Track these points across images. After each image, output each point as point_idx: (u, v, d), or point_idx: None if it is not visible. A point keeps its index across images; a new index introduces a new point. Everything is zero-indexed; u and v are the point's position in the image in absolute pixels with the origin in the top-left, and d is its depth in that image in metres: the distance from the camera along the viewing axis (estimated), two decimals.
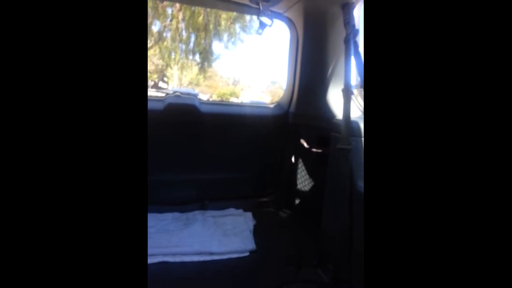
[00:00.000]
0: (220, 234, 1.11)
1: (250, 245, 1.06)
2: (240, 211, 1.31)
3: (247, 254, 1.02)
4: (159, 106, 1.18)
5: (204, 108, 1.25)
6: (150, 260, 0.92)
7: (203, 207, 1.32)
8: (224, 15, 7.56)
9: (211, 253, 0.99)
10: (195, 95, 1.31)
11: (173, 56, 8.51)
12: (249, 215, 1.29)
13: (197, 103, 1.23)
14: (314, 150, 1.19)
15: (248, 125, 1.33)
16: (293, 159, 1.36)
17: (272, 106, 1.43)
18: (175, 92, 1.25)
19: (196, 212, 1.27)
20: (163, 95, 1.27)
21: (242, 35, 8.30)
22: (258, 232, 1.16)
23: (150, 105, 1.20)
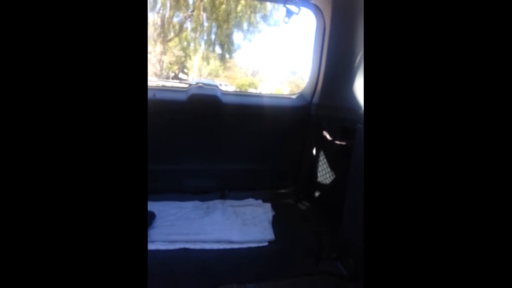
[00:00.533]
0: (240, 224, 1.12)
1: (269, 235, 1.06)
2: (259, 201, 1.31)
3: (266, 244, 1.03)
4: (183, 97, 1.20)
5: (225, 99, 1.25)
6: (172, 246, 0.96)
7: (223, 197, 1.34)
8: (245, 3, 7.46)
9: (231, 242, 1.00)
10: (215, 86, 1.32)
11: (193, 47, 8.59)
12: (268, 205, 1.29)
13: (219, 94, 1.24)
14: (337, 142, 1.16)
15: (270, 116, 1.31)
16: (314, 151, 1.33)
17: (294, 96, 1.40)
18: (198, 83, 1.26)
19: (216, 201, 1.30)
20: (186, 86, 1.29)
21: (262, 25, 8.17)
22: (276, 223, 1.16)
23: (174, 95, 1.22)
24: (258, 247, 1.00)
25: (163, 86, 1.39)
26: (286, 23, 1.07)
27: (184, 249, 0.96)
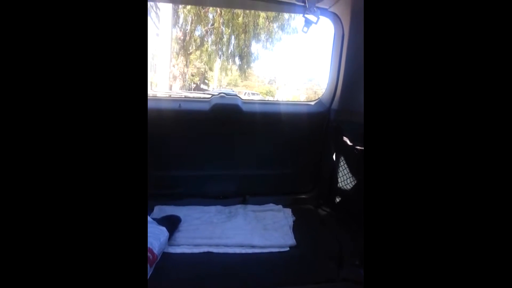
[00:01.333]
0: (261, 228, 1.14)
1: (290, 240, 1.07)
2: (280, 206, 1.33)
3: (287, 249, 1.03)
4: (206, 106, 1.27)
5: (246, 107, 1.29)
6: (196, 250, 1.00)
7: (244, 202, 1.37)
8: (263, 14, 7.64)
9: (252, 246, 1.02)
10: (235, 95, 1.38)
11: (213, 59, 8.89)
12: (288, 211, 1.30)
13: (239, 103, 1.29)
14: (358, 147, 1.15)
15: (289, 122, 1.34)
16: (334, 156, 1.33)
17: (313, 103, 1.42)
18: (220, 93, 1.32)
19: (238, 206, 1.33)
20: (209, 96, 1.35)
21: (280, 34, 8.29)
22: (297, 228, 1.17)
23: (198, 106, 1.29)
24: (280, 252, 1.01)
25: (186, 97, 1.47)
26: (305, 32, 1.10)
27: (208, 252, 0.99)
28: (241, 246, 1.02)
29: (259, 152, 1.37)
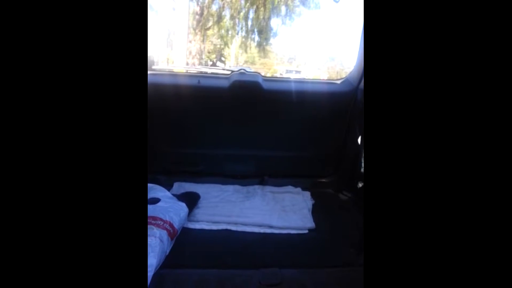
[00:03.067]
0: (279, 210, 1.13)
1: (309, 223, 1.05)
2: (298, 189, 1.31)
3: (305, 231, 1.02)
4: (225, 83, 1.22)
5: (267, 85, 1.24)
6: (215, 227, 1.01)
7: (262, 182, 1.36)
8: None
9: (271, 227, 1.02)
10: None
11: (230, 35, 8.62)
12: (307, 194, 1.28)
13: (260, 80, 1.23)
14: None
15: (312, 102, 1.27)
16: (359, 140, 1.27)
17: (339, 82, 1.33)
18: (240, 69, 1.27)
19: (256, 186, 1.32)
20: (229, 72, 1.30)
21: (301, 8, 7.84)
22: (316, 212, 1.15)
23: (217, 82, 1.25)
24: (298, 234, 1.01)
25: (205, 73, 1.43)
26: (337, 2, 1.01)
27: (227, 230, 1.00)
28: (260, 226, 1.02)
29: (279, 132, 1.32)
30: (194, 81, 1.23)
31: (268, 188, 1.31)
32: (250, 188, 1.31)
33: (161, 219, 0.89)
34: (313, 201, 1.23)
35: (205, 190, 1.24)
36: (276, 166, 1.38)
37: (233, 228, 1.01)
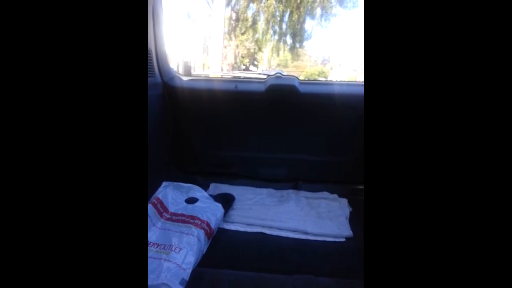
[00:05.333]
0: (314, 216, 1.10)
1: (346, 231, 1.01)
2: (335, 195, 1.26)
3: (343, 240, 0.98)
4: (261, 87, 1.23)
5: (303, 88, 1.22)
6: (250, 229, 1.02)
7: (296, 187, 1.34)
8: None
9: (306, 233, 1.00)
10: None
11: (264, 39, 8.71)
12: (344, 201, 1.23)
13: (296, 83, 1.22)
14: None
15: (350, 105, 1.23)
16: None
17: None
18: (276, 73, 1.27)
19: (290, 191, 1.31)
20: (265, 76, 1.32)
21: (338, 9, 7.63)
22: (354, 220, 1.10)
23: (253, 86, 1.27)
24: (335, 242, 0.97)
25: (243, 77, 1.46)
26: None
27: (261, 233, 1.00)
28: (294, 231, 1.01)
29: (315, 136, 1.30)
30: (231, 86, 1.26)
31: (303, 193, 1.28)
32: (284, 192, 1.30)
33: (199, 219, 0.92)
34: (351, 209, 1.18)
35: (239, 192, 1.26)
36: (311, 170, 1.35)
37: (268, 231, 1.01)
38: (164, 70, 1.24)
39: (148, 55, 1.10)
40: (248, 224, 1.04)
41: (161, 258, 0.76)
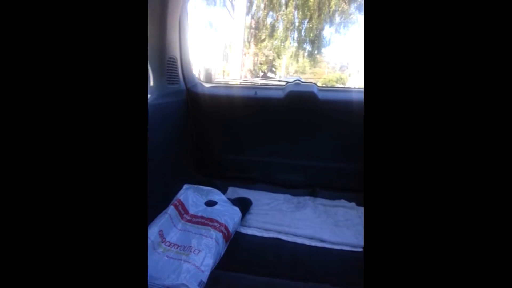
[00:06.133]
0: (331, 224, 1.09)
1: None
2: (353, 204, 1.24)
3: (360, 249, 0.96)
4: (280, 94, 1.25)
5: (322, 95, 1.23)
6: (266, 234, 1.03)
7: (313, 194, 1.33)
8: None
9: (322, 240, 0.99)
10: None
11: (283, 46, 8.77)
12: (362, 210, 1.21)
13: (315, 90, 1.23)
14: None
15: None
16: None
17: None
18: (295, 80, 1.29)
19: (307, 197, 1.30)
20: (284, 83, 1.34)
21: (357, 15, 7.55)
22: None
23: (272, 93, 1.29)
24: (352, 252, 0.96)
25: (262, 84, 1.49)
26: None
27: (277, 239, 1.01)
28: (311, 238, 1.00)
29: (334, 143, 1.29)
30: (251, 92, 1.29)
31: (320, 201, 1.27)
32: (301, 198, 1.30)
33: (217, 222, 0.94)
34: None
35: (256, 196, 1.27)
36: (328, 177, 1.34)
37: (284, 237, 1.01)
38: (188, 77, 1.29)
39: (174, 63, 1.16)
40: (265, 229, 1.05)
41: (181, 259, 0.79)
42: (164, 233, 0.88)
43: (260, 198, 1.27)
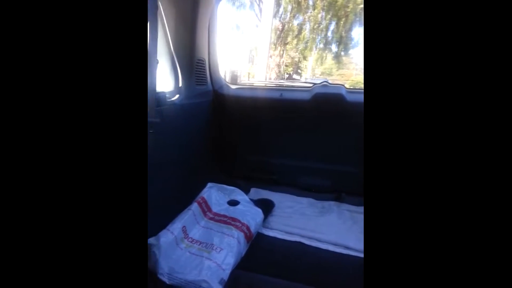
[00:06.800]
0: (358, 231, 1.04)
1: None
2: None
3: None
4: (307, 96, 1.23)
5: (351, 97, 1.18)
6: (288, 237, 1.01)
7: (339, 199, 1.28)
8: None
9: (347, 247, 0.95)
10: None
11: (309, 47, 8.65)
12: None
13: (343, 92, 1.19)
14: None
15: None
16: None
17: None
18: (323, 82, 1.26)
19: (331, 202, 1.26)
20: (311, 85, 1.31)
21: None
22: None
23: (299, 95, 1.27)
24: None
25: (287, 86, 1.48)
26: None
27: (300, 243, 0.98)
28: (335, 244, 0.97)
29: (361, 147, 1.23)
30: (276, 94, 1.28)
31: (345, 206, 1.23)
32: (326, 203, 1.26)
33: (239, 221, 0.95)
34: None
35: (279, 199, 1.26)
36: (355, 183, 1.29)
37: (307, 242, 0.98)
38: (215, 79, 1.32)
39: (202, 64, 1.19)
40: (287, 232, 1.03)
41: (202, 256, 0.80)
42: (187, 229, 0.90)
43: (283, 201, 1.25)
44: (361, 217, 1.14)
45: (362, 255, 0.93)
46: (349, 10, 7.23)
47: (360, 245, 0.95)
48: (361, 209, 1.20)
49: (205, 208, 1.02)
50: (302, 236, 1.00)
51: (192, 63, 1.10)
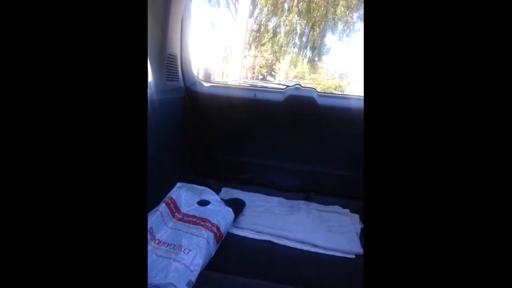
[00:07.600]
0: (324, 229, 1.09)
1: (357, 248, 0.99)
2: (347, 210, 1.24)
3: (352, 256, 0.96)
4: (280, 97, 1.25)
5: (321, 101, 1.23)
6: (258, 237, 1.02)
7: (308, 198, 1.32)
8: (342, 2, 7.15)
9: (315, 245, 0.98)
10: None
11: (283, 51, 8.82)
12: (356, 217, 1.20)
13: (315, 95, 1.23)
14: None
15: None
16: None
17: None
18: (295, 84, 1.29)
19: (301, 201, 1.30)
20: (284, 87, 1.34)
21: (360, 24, 7.64)
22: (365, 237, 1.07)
23: (272, 96, 1.29)
24: (344, 258, 0.95)
25: (261, 87, 1.49)
26: None
27: (269, 241, 1.00)
28: (303, 242, 0.99)
29: (331, 149, 1.29)
30: (250, 94, 1.29)
31: (314, 205, 1.27)
32: (295, 202, 1.29)
33: (209, 221, 0.93)
34: (362, 225, 1.15)
35: (250, 198, 1.26)
36: (323, 183, 1.34)
37: (276, 240, 1.00)
38: (187, 76, 1.29)
39: (173, 60, 1.15)
40: (257, 231, 1.03)
41: (170, 258, 0.77)
42: (154, 230, 0.87)
43: (253, 200, 1.26)
44: (328, 216, 1.19)
45: (328, 252, 0.96)
46: (323, 16, 7.51)
47: (327, 243, 0.99)
48: (328, 208, 1.25)
49: (174, 208, 0.99)
50: (272, 235, 1.02)
51: (162, 57, 1.06)
